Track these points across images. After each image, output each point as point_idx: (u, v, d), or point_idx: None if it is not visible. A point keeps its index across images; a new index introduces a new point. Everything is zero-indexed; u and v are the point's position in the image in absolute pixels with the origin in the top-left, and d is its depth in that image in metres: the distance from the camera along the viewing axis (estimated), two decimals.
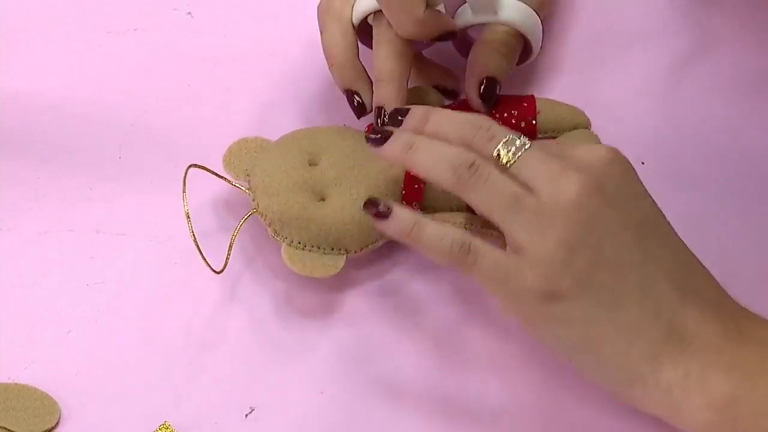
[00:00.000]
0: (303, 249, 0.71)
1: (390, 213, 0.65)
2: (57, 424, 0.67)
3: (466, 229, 0.69)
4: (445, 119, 0.66)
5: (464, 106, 0.75)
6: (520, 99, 0.76)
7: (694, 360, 0.60)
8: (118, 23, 0.78)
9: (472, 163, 0.63)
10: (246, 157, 0.75)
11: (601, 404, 0.66)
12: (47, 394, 0.68)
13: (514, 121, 0.75)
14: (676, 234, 0.64)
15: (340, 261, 0.71)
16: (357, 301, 0.72)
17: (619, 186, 0.63)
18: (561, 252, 0.60)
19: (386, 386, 0.68)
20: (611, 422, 0.66)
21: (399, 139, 0.65)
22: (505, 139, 0.64)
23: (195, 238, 0.69)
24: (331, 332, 0.71)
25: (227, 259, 0.70)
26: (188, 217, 0.70)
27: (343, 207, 0.71)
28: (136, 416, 0.67)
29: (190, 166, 0.71)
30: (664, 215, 0.64)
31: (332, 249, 0.71)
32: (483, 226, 0.69)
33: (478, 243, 0.63)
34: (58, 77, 0.83)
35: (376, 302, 0.72)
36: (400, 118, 0.67)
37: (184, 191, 0.70)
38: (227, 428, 0.67)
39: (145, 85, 0.81)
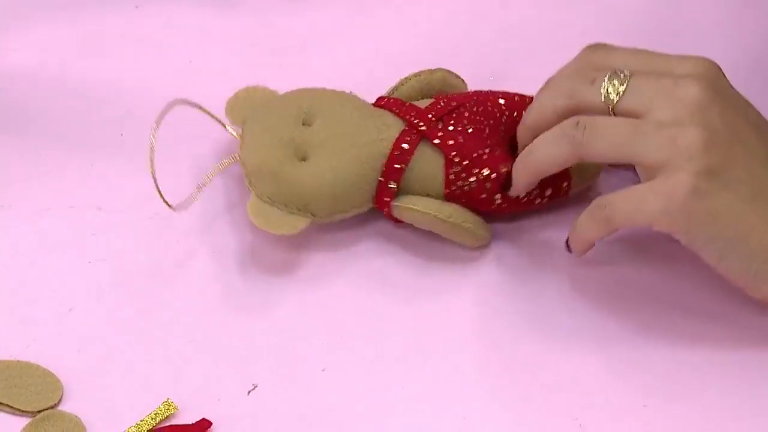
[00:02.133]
0: (271, 204, 0.71)
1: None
2: (59, 401, 0.67)
3: (435, 218, 0.71)
4: (544, 94, 0.68)
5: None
6: None
7: None
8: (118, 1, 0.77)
9: (577, 123, 0.64)
10: (247, 106, 0.75)
11: None
12: (50, 372, 0.67)
13: None
14: None
15: (302, 222, 0.71)
16: (355, 279, 0.72)
17: (730, 90, 0.65)
18: (697, 153, 0.61)
19: (389, 364, 0.68)
20: None
21: (517, 164, 0.69)
22: (606, 76, 0.65)
23: (154, 171, 0.70)
24: (333, 310, 0.71)
25: (192, 198, 0.72)
26: (152, 150, 0.70)
27: (320, 172, 0.71)
28: (138, 393, 0.67)
29: (176, 101, 0.72)
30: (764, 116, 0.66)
31: (299, 210, 0.71)
32: (457, 220, 0.71)
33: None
34: (59, 53, 0.83)
35: (377, 280, 0.72)
36: None
37: (157, 123, 0.71)
38: (230, 405, 0.67)
39: (147, 61, 0.81)
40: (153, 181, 0.70)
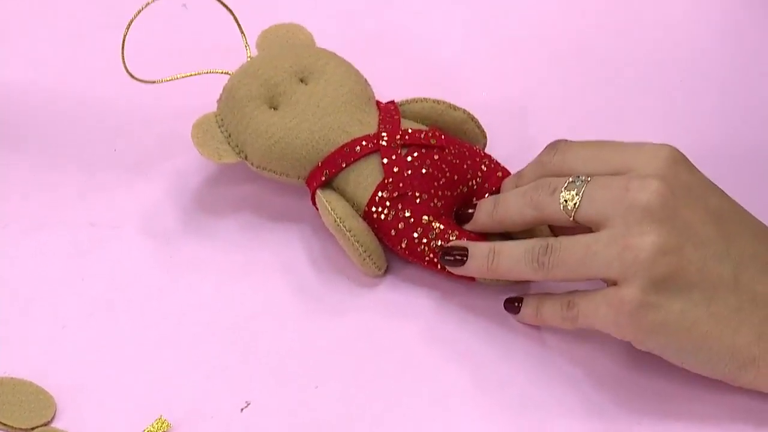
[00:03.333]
0: (218, 126, 0.73)
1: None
2: (53, 418, 0.67)
3: (337, 225, 0.71)
4: (510, 194, 0.69)
5: None
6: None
7: None
8: (112, 16, 0.77)
9: (547, 246, 0.65)
10: (276, 41, 0.78)
11: None
12: (43, 389, 0.67)
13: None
14: (749, 213, 0.66)
15: (229, 157, 0.73)
16: (351, 297, 0.72)
17: (687, 183, 0.64)
18: (644, 267, 0.62)
19: (382, 381, 0.68)
20: None
21: (478, 255, 0.68)
22: (565, 185, 0.65)
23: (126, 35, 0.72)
24: (326, 327, 0.70)
25: (160, 80, 0.75)
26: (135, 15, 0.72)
27: (272, 124, 0.72)
28: (131, 410, 0.67)
29: None
30: (731, 198, 0.66)
31: (236, 147, 0.73)
32: (355, 238, 0.71)
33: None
34: (52, 70, 0.83)
35: (371, 298, 0.72)
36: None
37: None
38: (223, 422, 0.67)
39: (140, 76, 0.81)
40: (121, 48, 0.72)
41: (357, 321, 0.71)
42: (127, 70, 0.73)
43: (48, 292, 0.72)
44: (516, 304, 0.69)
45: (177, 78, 0.76)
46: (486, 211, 0.70)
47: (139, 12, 0.72)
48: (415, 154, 0.72)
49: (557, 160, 0.68)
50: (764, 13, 0.87)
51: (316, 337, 0.70)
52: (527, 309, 0.69)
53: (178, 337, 0.70)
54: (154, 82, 0.75)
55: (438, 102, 0.76)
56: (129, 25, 0.72)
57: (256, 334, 0.70)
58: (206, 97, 0.75)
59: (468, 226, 0.71)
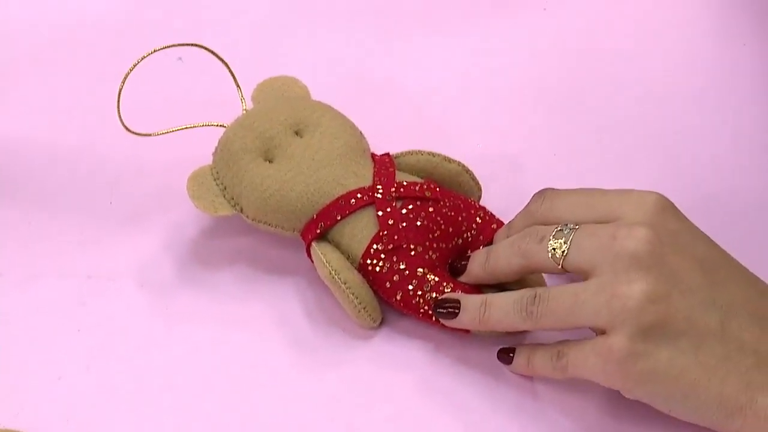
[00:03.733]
0: (214, 179, 0.73)
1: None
2: None
3: (332, 277, 0.71)
4: (501, 245, 0.70)
5: None
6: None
7: None
8: (109, 68, 0.78)
9: (535, 296, 0.65)
10: (272, 94, 0.78)
11: None
12: None
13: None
14: (736, 261, 0.66)
15: (225, 210, 0.73)
16: (346, 349, 0.72)
17: (674, 230, 0.65)
18: (631, 315, 0.62)
19: None
20: None
21: (470, 307, 0.68)
22: (553, 233, 0.66)
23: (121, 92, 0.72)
24: (322, 379, 0.71)
25: (155, 132, 0.75)
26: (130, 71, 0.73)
27: (267, 177, 0.73)
28: None
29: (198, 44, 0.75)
30: (718, 245, 0.66)
31: (232, 199, 0.73)
32: (350, 291, 0.71)
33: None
34: (49, 121, 0.84)
35: (366, 350, 0.72)
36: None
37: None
38: None
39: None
40: (117, 102, 0.73)
41: (352, 373, 0.71)
42: (123, 123, 0.74)
43: (44, 343, 0.72)
44: (509, 354, 0.70)
45: (173, 131, 0.76)
46: (479, 263, 0.70)
47: (134, 65, 0.73)
48: (410, 207, 0.72)
49: (545, 209, 0.69)
50: (761, 61, 0.87)
51: (311, 388, 0.70)
52: (519, 359, 0.69)
53: (175, 390, 0.70)
54: (149, 135, 0.75)
55: (433, 154, 0.76)
56: (125, 78, 0.73)
57: (251, 385, 0.70)
58: (202, 150, 0.76)
59: (462, 278, 0.71)
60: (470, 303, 0.69)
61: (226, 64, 0.77)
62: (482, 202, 0.77)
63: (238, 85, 0.77)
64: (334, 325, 0.72)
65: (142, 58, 0.73)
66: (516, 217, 0.72)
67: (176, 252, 0.76)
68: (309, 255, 0.73)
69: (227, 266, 0.75)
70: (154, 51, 0.73)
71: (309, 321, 0.73)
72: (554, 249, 0.66)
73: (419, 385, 0.70)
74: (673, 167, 0.81)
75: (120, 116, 0.73)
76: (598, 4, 0.93)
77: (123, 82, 0.73)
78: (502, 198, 0.78)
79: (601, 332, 0.64)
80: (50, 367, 0.71)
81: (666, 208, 0.66)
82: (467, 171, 0.76)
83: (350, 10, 0.93)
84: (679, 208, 0.67)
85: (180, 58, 0.85)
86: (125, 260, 0.76)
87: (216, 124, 0.76)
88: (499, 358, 0.70)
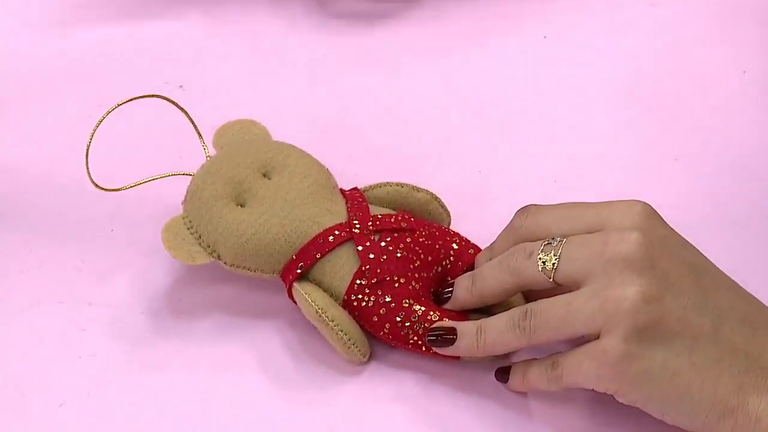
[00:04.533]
0: (187, 228, 0.73)
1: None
2: None
3: (318, 316, 0.71)
4: (487, 267, 0.70)
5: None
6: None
7: None
8: (109, 95, 0.78)
9: (526, 311, 0.66)
10: (234, 137, 0.78)
11: None
12: None
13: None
14: (720, 270, 0.66)
15: (202, 258, 0.72)
16: (336, 385, 0.72)
17: (663, 236, 0.65)
18: (625, 316, 0.62)
19: None
20: None
21: (467, 334, 0.68)
22: (541, 248, 0.66)
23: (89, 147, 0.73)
24: (314, 419, 0.70)
25: (125, 186, 0.75)
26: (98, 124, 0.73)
27: (242, 222, 0.72)
28: None
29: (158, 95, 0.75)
30: (703, 254, 0.66)
31: (208, 247, 0.73)
32: (338, 328, 0.71)
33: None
34: (49, 149, 0.84)
35: (357, 385, 0.72)
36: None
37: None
38: None
39: (136, 156, 0.82)
40: (85, 157, 0.73)
41: (346, 408, 0.70)
42: (91, 179, 0.74)
43: (45, 370, 0.72)
44: (506, 374, 0.70)
45: (139, 184, 0.76)
46: (465, 288, 0.70)
47: (98, 124, 0.73)
48: (388, 239, 0.72)
49: (529, 224, 0.69)
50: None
51: (304, 427, 0.70)
52: (515, 377, 0.69)
53: (176, 416, 0.70)
54: (117, 189, 0.75)
55: (401, 185, 0.76)
56: (91, 135, 0.73)
57: (255, 411, 0.70)
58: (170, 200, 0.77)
59: (449, 306, 0.71)
60: (467, 329, 0.69)
61: (186, 113, 0.77)
62: (452, 228, 0.77)
63: (199, 134, 0.77)
64: (321, 364, 0.72)
65: (102, 119, 0.73)
66: (498, 236, 0.71)
67: (178, 278, 0.77)
68: (291, 296, 0.73)
69: (208, 312, 0.75)
70: (116, 107, 0.74)
71: (294, 362, 0.72)
72: (544, 263, 0.66)
73: (415, 415, 0.70)
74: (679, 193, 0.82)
75: (89, 173, 0.74)
76: (598, 34, 0.94)
77: (90, 138, 0.73)
78: (470, 223, 0.78)
79: (594, 338, 0.64)
80: (52, 393, 0.71)
81: (652, 215, 0.66)
82: (436, 198, 0.76)
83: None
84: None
85: (181, 86, 0.86)
86: (126, 287, 0.76)
87: (182, 173, 0.76)
88: (496, 377, 0.70)
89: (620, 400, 0.64)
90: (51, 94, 0.88)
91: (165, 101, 0.76)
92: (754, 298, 0.67)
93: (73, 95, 0.83)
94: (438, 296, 0.72)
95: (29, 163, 0.83)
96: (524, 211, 0.70)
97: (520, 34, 0.94)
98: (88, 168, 0.73)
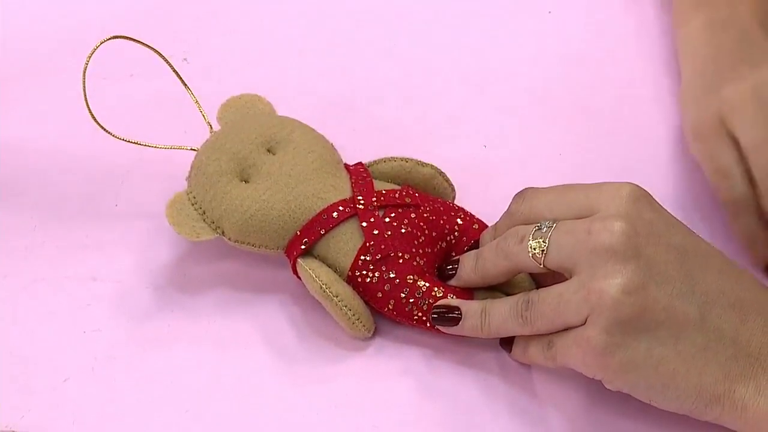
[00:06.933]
0: (192, 204, 0.73)
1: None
2: None
3: (323, 291, 0.71)
4: (487, 248, 0.70)
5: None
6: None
7: (762, 375, 0.62)
8: (114, 70, 0.78)
9: (527, 301, 0.66)
10: (239, 112, 0.78)
11: None
12: None
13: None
14: (715, 249, 0.66)
15: (206, 234, 0.72)
16: (340, 361, 0.72)
17: (650, 220, 0.65)
18: (609, 308, 0.62)
19: None
20: None
21: (471, 315, 0.69)
22: (532, 233, 0.66)
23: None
24: (318, 393, 0.71)
25: (133, 142, 0.75)
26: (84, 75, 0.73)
27: (246, 198, 0.72)
28: None
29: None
30: (696, 234, 0.66)
31: (212, 223, 0.72)
32: (342, 303, 0.71)
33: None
34: (53, 125, 0.84)
35: (361, 361, 0.72)
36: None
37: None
38: None
39: (141, 131, 0.81)
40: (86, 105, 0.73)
41: (351, 383, 0.71)
42: (96, 121, 0.74)
43: (50, 345, 0.73)
44: (510, 343, 0.70)
45: (141, 145, 0.76)
46: (469, 267, 0.70)
47: (88, 58, 0.73)
48: (393, 215, 0.72)
49: (525, 208, 0.69)
50: None
51: (309, 403, 0.70)
52: (517, 348, 0.69)
53: (180, 392, 0.70)
54: (122, 138, 0.75)
55: (405, 160, 0.76)
56: (84, 69, 0.73)
57: (258, 389, 0.71)
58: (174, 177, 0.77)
59: (453, 282, 0.71)
60: (471, 311, 0.69)
61: (188, 87, 0.77)
62: (456, 204, 0.77)
63: (201, 110, 0.77)
64: (326, 340, 0.72)
65: (95, 49, 0.73)
66: (499, 220, 0.72)
67: (182, 253, 0.77)
68: (295, 272, 0.73)
69: (213, 287, 0.75)
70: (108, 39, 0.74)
71: (299, 338, 0.73)
72: (534, 248, 0.66)
73: (420, 390, 0.70)
74: (679, 169, 0.82)
75: (89, 110, 0.74)
76: (603, 8, 0.93)
77: (84, 75, 0.73)
78: (475, 199, 0.78)
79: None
80: (56, 369, 0.72)
81: (640, 197, 0.66)
82: (440, 173, 0.76)
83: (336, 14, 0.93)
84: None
85: (185, 59, 0.86)
86: (130, 263, 0.76)
87: (186, 147, 0.76)
88: (501, 345, 0.71)
89: (607, 387, 0.64)
90: (54, 70, 0.87)
91: (171, 72, 0.76)
92: (748, 277, 0.66)
93: (77, 71, 0.82)
94: (442, 272, 0.72)
95: (34, 139, 0.83)
96: (521, 195, 0.70)
97: (525, 10, 0.93)
98: (89, 106, 0.73)
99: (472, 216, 0.75)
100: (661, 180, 0.81)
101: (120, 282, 0.75)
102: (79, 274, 0.76)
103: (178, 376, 0.71)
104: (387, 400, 0.70)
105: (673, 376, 0.63)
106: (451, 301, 0.70)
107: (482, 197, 0.78)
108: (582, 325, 0.64)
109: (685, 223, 0.67)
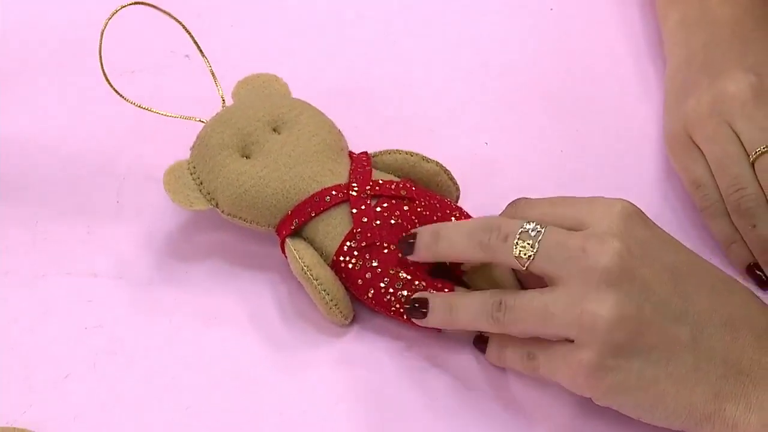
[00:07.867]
0: (191, 173, 0.73)
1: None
2: None
3: (304, 273, 0.71)
4: (454, 232, 0.68)
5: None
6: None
7: (753, 392, 0.62)
8: (116, 65, 0.78)
9: (500, 303, 0.65)
10: (252, 90, 0.78)
11: None
12: None
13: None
14: (711, 265, 0.66)
15: (200, 204, 0.73)
16: (316, 346, 0.72)
17: (642, 239, 0.64)
18: (602, 331, 0.62)
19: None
20: None
21: (437, 308, 0.68)
22: (518, 233, 0.65)
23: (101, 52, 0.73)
24: (291, 377, 0.71)
25: (142, 107, 0.76)
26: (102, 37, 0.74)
27: (243, 173, 0.73)
28: None
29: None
30: (691, 250, 0.66)
31: (208, 194, 0.73)
32: (321, 287, 0.71)
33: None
34: (55, 120, 0.85)
35: (336, 347, 0.72)
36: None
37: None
38: None
39: (142, 127, 0.81)
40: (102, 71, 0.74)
41: (323, 370, 0.71)
42: (111, 85, 0.75)
43: (51, 341, 0.73)
44: (484, 343, 0.70)
45: (153, 112, 0.76)
46: (425, 245, 0.69)
47: (113, 14, 0.74)
48: (385, 205, 0.72)
49: (518, 210, 0.69)
50: None
51: (280, 386, 0.70)
52: (491, 350, 0.69)
53: (181, 387, 0.70)
54: (133, 103, 0.76)
55: (411, 154, 0.76)
56: (103, 28, 0.74)
57: (259, 384, 0.71)
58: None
59: (411, 257, 0.70)
60: (437, 305, 0.69)
61: (206, 59, 0.77)
62: (460, 203, 0.77)
63: (217, 83, 0.78)
64: (306, 322, 0.73)
65: (115, 12, 0.74)
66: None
67: (184, 249, 0.77)
68: (283, 251, 0.73)
69: (202, 260, 0.76)
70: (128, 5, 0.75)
71: (280, 317, 0.73)
72: (519, 251, 0.65)
73: (390, 382, 0.70)
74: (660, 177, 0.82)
75: (103, 68, 0.75)
76: (605, 4, 0.93)
77: (102, 35, 0.74)
78: (479, 199, 0.78)
79: (570, 341, 0.64)
80: (57, 364, 0.72)
81: (632, 215, 0.65)
82: (445, 171, 0.76)
83: (340, 10, 0.94)
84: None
85: (187, 56, 0.86)
86: (132, 259, 0.76)
87: (196, 119, 0.77)
88: (474, 344, 0.71)
89: (595, 402, 0.64)
90: (57, 66, 0.88)
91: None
92: (739, 290, 0.66)
93: (79, 67, 0.83)
94: (402, 241, 0.71)
95: (36, 134, 0.84)
96: (513, 204, 0.70)
97: (528, 6, 0.93)
98: (102, 64, 0.74)
99: (468, 216, 0.75)
100: (662, 176, 0.81)
101: (121, 278, 0.76)
102: (80, 270, 0.76)
103: (179, 372, 0.71)
104: (361, 388, 0.70)
105: (663, 397, 0.62)
106: (424, 294, 0.70)
107: (483, 193, 0.78)
108: (567, 341, 0.64)
109: (678, 219, 0.67)
